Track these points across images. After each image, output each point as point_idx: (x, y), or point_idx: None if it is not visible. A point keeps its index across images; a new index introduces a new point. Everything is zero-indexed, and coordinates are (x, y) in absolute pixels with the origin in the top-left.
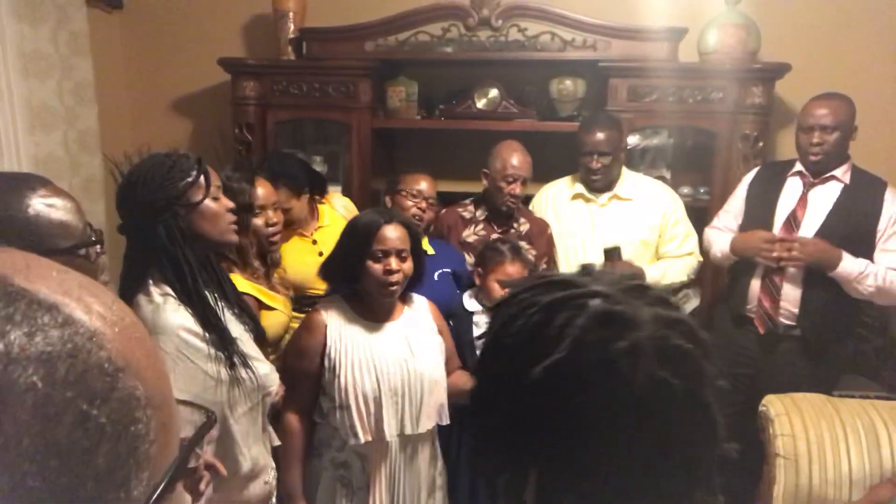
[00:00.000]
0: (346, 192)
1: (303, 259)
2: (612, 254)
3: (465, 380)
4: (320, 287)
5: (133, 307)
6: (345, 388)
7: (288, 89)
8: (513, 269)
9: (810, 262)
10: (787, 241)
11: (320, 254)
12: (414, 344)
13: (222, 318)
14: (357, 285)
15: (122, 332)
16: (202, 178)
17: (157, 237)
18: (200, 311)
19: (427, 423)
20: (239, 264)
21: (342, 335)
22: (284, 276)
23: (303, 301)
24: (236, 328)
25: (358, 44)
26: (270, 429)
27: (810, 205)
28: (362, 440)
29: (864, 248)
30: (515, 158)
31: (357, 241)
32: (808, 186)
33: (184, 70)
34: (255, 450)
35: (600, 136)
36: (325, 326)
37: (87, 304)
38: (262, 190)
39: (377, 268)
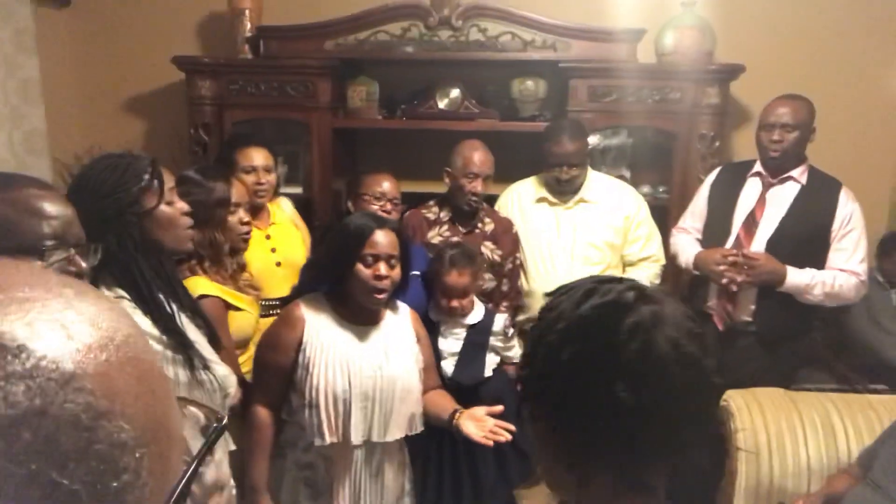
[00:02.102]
0: (306, 193)
1: (257, 255)
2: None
3: (445, 405)
4: (277, 289)
5: None
6: (316, 386)
7: (245, 88)
8: (450, 279)
9: (757, 281)
10: (738, 262)
11: (273, 250)
12: (391, 351)
13: (178, 322)
14: (340, 287)
15: (111, 358)
16: (155, 182)
17: (107, 245)
18: (156, 314)
19: (396, 433)
20: (209, 262)
21: (319, 333)
22: (250, 278)
23: (263, 307)
24: (192, 332)
25: (317, 42)
26: (228, 434)
27: (768, 205)
28: (328, 441)
29: (819, 247)
30: (476, 156)
31: (348, 243)
32: (766, 186)
33: (136, 68)
34: (217, 453)
35: (569, 147)
36: (304, 322)
37: (69, 330)
38: (237, 188)
39: (367, 272)
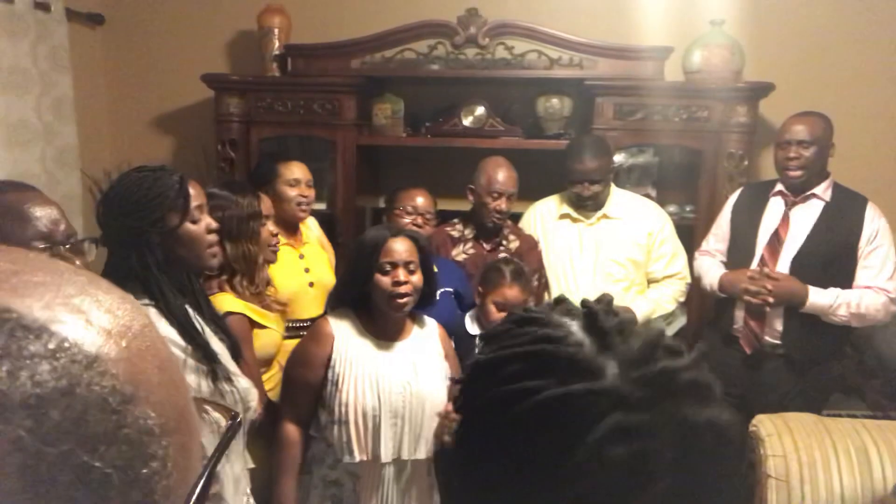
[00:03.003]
0: (330, 210)
1: (292, 275)
2: None
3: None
4: (308, 309)
5: None
6: (345, 402)
7: (272, 106)
8: (511, 292)
9: (780, 301)
10: (758, 280)
11: (307, 270)
12: (420, 367)
13: (202, 333)
14: (365, 301)
15: (132, 345)
16: (181, 200)
17: (128, 260)
18: (181, 324)
19: (425, 450)
20: (241, 276)
21: (349, 348)
22: (276, 295)
23: (292, 328)
24: (215, 344)
25: (343, 60)
26: (247, 452)
27: (792, 224)
28: (357, 459)
29: (847, 264)
30: (501, 174)
31: (364, 256)
32: (789, 205)
33: (166, 86)
34: (237, 466)
35: (591, 164)
36: (333, 338)
37: (87, 315)
38: (265, 201)
39: (385, 280)
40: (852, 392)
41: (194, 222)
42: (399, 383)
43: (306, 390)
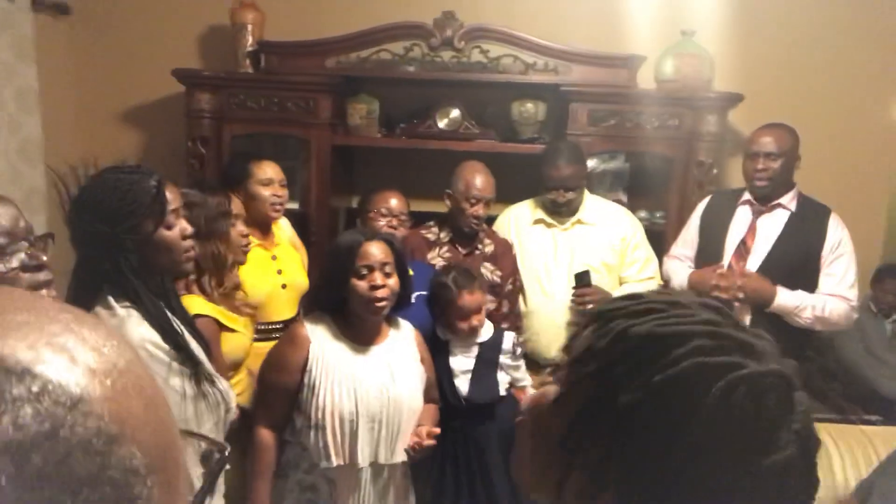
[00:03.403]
0: (303, 209)
1: (264, 277)
2: (582, 278)
3: (428, 415)
4: (281, 311)
5: None
6: (322, 407)
7: (245, 103)
8: (465, 301)
9: (748, 299)
10: (728, 276)
11: (279, 272)
12: (396, 370)
13: (183, 335)
14: (342, 306)
15: (117, 383)
16: (157, 206)
17: (104, 266)
18: (163, 325)
19: (401, 454)
20: (211, 277)
21: (325, 353)
22: (246, 299)
23: (264, 331)
24: (194, 347)
25: (318, 59)
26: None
27: (759, 232)
28: (334, 463)
29: (810, 273)
30: (479, 180)
31: (340, 260)
32: (756, 214)
33: (135, 80)
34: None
35: (566, 171)
36: (309, 342)
37: (72, 354)
38: (234, 201)
39: (362, 285)
40: (814, 395)
41: (169, 228)
42: (376, 387)
43: (282, 395)
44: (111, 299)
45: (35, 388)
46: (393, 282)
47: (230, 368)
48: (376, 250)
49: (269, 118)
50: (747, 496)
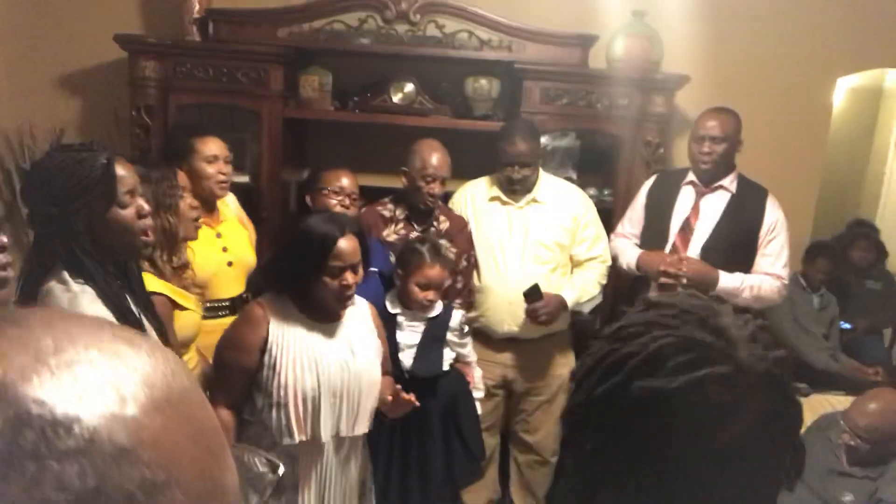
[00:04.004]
0: (254, 183)
1: (209, 254)
2: (532, 293)
3: (386, 387)
4: (227, 289)
5: (45, 294)
6: (284, 385)
7: (193, 72)
8: (433, 272)
9: (693, 283)
10: (675, 263)
11: (224, 249)
12: (355, 345)
13: (139, 318)
14: (305, 289)
15: (169, 420)
16: (107, 185)
17: (55, 247)
18: (117, 306)
19: (362, 426)
20: (162, 251)
21: (285, 332)
22: (193, 276)
23: (210, 308)
24: (149, 329)
25: (270, 29)
26: None
27: (702, 213)
28: (297, 440)
29: (748, 251)
30: (435, 158)
31: (310, 254)
32: (699, 195)
33: (74, 43)
34: None
35: (522, 147)
36: (268, 321)
37: (122, 390)
38: (181, 174)
39: (334, 283)
40: None
41: (123, 207)
42: (337, 363)
43: (241, 375)
44: (66, 274)
45: (83, 440)
46: (360, 276)
47: (181, 346)
48: (350, 248)
49: (218, 89)
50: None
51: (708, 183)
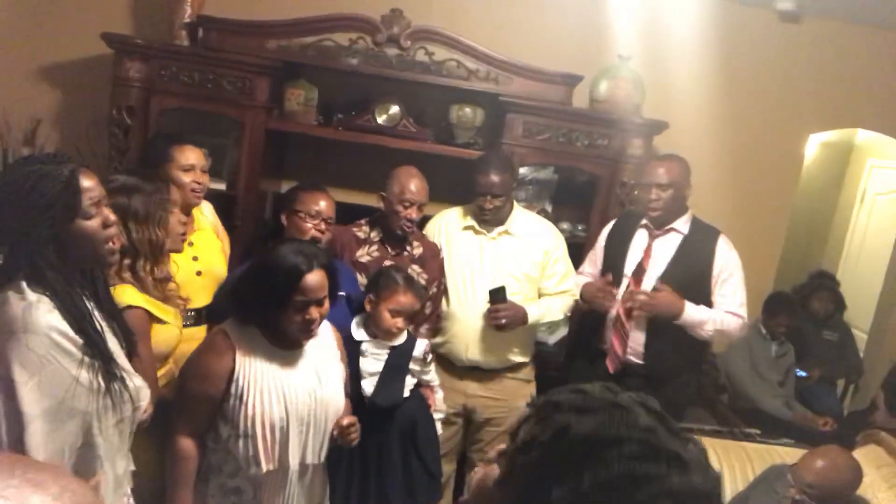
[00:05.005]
0: (231, 190)
1: (178, 262)
2: (497, 295)
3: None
4: (196, 299)
5: (1, 304)
6: (251, 416)
7: (178, 76)
8: (405, 299)
9: (658, 312)
10: (627, 298)
11: (195, 258)
12: (322, 372)
13: (99, 328)
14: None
15: None
16: (72, 196)
17: (19, 259)
18: (76, 317)
19: (326, 452)
20: (146, 261)
21: (251, 361)
22: (177, 289)
23: (188, 316)
24: (111, 342)
25: (259, 40)
26: (129, 454)
27: (654, 255)
28: (264, 469)
29: (701, 293)
30: (413, 184)
31: (277, 288)
32: (652, 238)
33: (59, 37)
34: (119, 466)
35: (494, 178)
36: (234, 350)
37: None
38: (173, 190)
39: (298, 318)
40: (705, 406)
41: (88, 218)
42: (305, 391)
43: (206, 405)
44: (23, 283)
45: None
46: (325, 309)
47: (157, 360)
48: (316, 284)
49: (202, 94)
50: None
51: (659, 226)
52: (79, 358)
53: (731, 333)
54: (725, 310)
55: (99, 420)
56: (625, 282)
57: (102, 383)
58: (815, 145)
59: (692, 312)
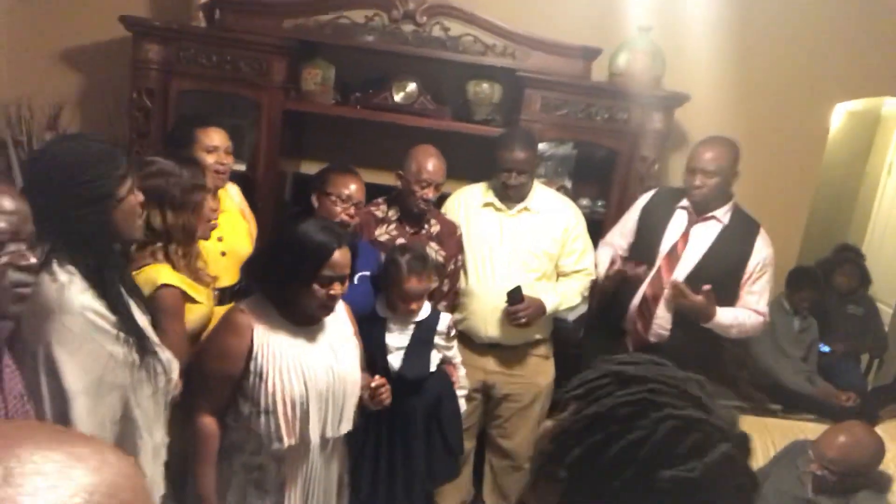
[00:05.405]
0: (250, 172)
1: (203, 243)
2: (514, 296)
3: (365, 382)
4: (220, 279)
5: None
6: (272, 393)
7: (196, 58)
8: (410, 284)
9: (689, 311)
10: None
11: (220, 239)
12: (337, 348)
13: (128, 304)
14: (288, 294)
15: None
16: (131, 173)
17: (75, 229)
18: (108, 294)
19: (346, 426)
20: (178, 246)
21: (270, 339)
22: (206, 267)
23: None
24: (140, 317)
25: (276, 20)
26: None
27: (691, 241)
28: (286, 444)
29: (730, 287)
30: (431, 164)
31: (307, 262)
32: (691, 223)
33: (78, 20)
34: (157, 435)
35: (520, 155)
36: (252, 329)
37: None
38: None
39: (322, 292)
40: (726, 382)
41: (133, 195)
42: (322, 368)
43: (226, 383)
44: (54, 264)
45: None
46: (346, 285)
47: (191, 337)
48: (344, 260)
49: (220, 76)
50: None
51: (701, 212)
52: (114, 334)
53: (751, 333)
54: (753, 308)
55: (135, 392)
56: (656, 264)
57: (137, 357)
58: (840, 114)
59: (721, 318)
